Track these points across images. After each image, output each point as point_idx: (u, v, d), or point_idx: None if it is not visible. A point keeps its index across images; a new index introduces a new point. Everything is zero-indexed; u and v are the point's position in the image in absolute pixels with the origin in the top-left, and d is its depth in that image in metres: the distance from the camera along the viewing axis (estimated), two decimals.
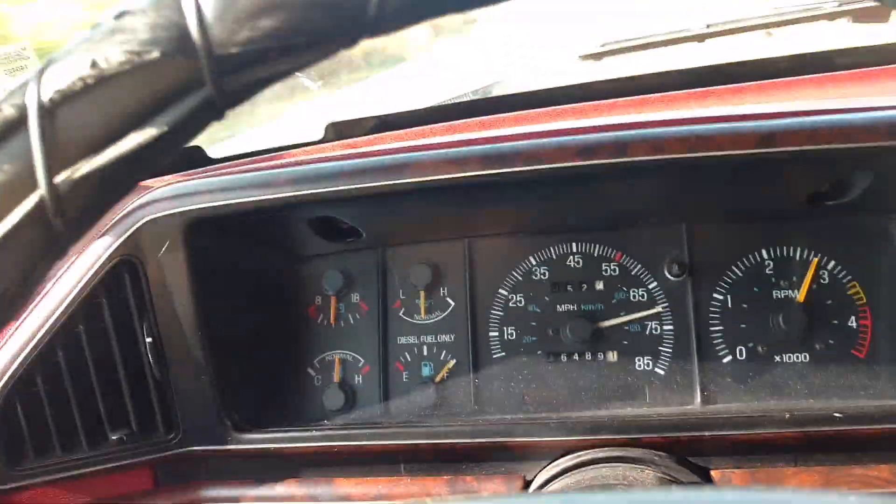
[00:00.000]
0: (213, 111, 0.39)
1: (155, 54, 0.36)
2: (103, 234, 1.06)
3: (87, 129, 0.38)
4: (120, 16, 0.37)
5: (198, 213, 1.05)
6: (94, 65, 0.37)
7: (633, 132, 0.98)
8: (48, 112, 0.37)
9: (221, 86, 0.38)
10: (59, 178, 0.37)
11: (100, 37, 0.37)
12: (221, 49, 0.37)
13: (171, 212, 1.06)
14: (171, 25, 0.36)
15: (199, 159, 1.45)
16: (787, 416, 1.06)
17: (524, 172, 1.00)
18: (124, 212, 1.08)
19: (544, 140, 1.00)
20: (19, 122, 0.37)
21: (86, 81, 0.37)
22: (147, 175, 0.41)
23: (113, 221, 1.08)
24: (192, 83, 0.37)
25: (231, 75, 0.38)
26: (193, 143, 1.61)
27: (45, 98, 0.37)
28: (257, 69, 0.38)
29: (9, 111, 0.38)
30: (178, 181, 1.09)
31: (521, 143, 1.00)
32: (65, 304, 1.06)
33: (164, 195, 1.07)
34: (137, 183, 0.42)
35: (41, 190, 0.37)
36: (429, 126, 1.46)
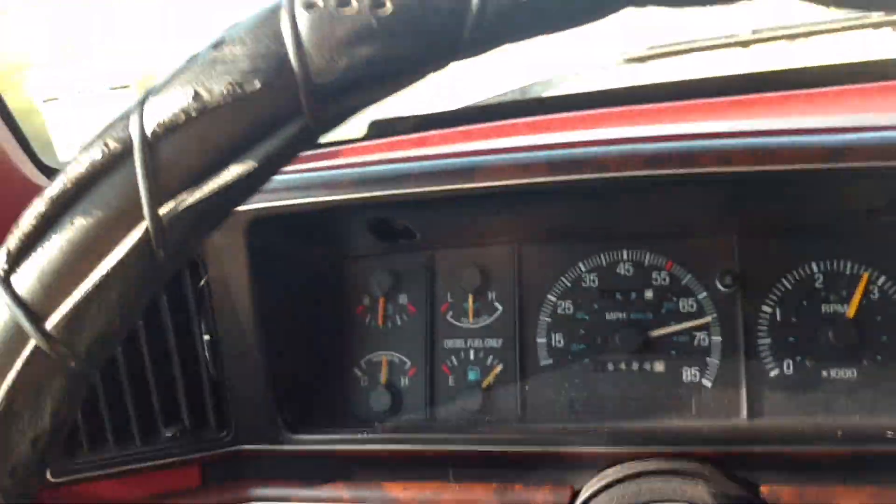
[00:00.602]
0: (308, 139, 0.40)
1: (256, 84, 0.37)
2: None
3: (190, 161, 0.38)
4: (218, 45, 0.38)
5: (260, 212, 1.05)
6: (196, 97, 0.37)
7: (702, 142, 0.98)
8: (151, 145, 0.37)
9: (318, 113, 0.38)
10: (163, 210, 0.38)
11: (200, 68, 0.37)
12: (319, 77, 0.37)
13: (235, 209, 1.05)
14: (271, 55, 0.37)
15: None
16: (839, 433, 1.06)
17: (591, 180, 1.00)
18: None
19: (612, 147, 1.00)
20: (124, 155, 0.38)
21: (188, 114, 0.37)
22: (242, 204, 0.41)
23: None
24: (291, 112, 0.38)
25: (328, 103, 0.38)
26: None
27: (149, 131, 0.37)
28: (354, 96, 0.38)
29: (113, 145, 0.38)
30: None
31: (589, 149, 1.00)
32: None
33: None
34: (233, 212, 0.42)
35: (146, 222, 0.38)
36: (475, 126, 1.45)
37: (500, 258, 1.29)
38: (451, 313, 1.30)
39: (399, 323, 1.30)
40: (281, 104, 0.37)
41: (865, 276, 1.20)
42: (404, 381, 1.29)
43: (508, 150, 1.02)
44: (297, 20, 0.36)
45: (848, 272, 1.21)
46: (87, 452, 1.08)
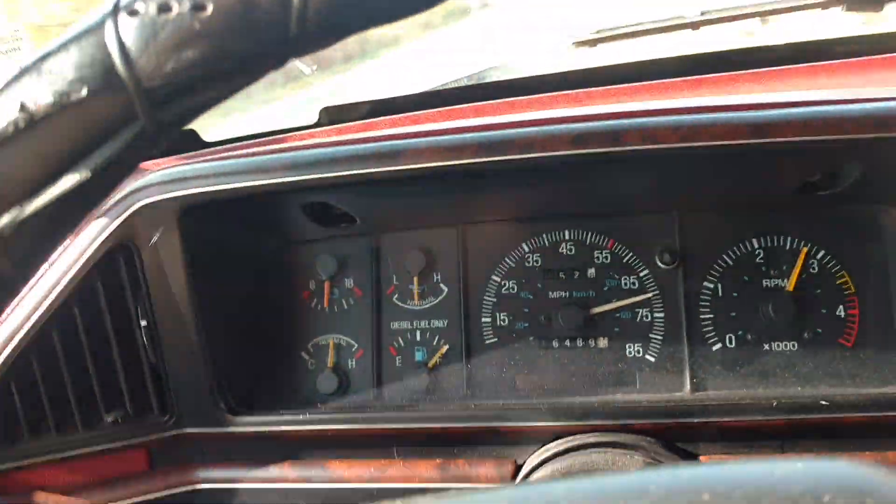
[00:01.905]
0: (150, 141, 0.40)
1: (83, 93, 0.37)
2: (98, 218, 1.07)
3: (25, 171, 0.38)
4: (45, 57, 0.38)
5: (193, 198, 1.06)
6: (22, 108, 0.37)
7: (626, 121, 0.99)
8: None
9: (155, 117, 0.38)
10: (2, 222, 0.38)
11: (27, 79, 0.38)
12: (149, 82, 0.37)
13: (166, 196, 1.06)
14: (96, 62, 0.37)
15: (192, 143, 1.45)
16: (775, 403, 1.08)
17: (518, 160, 1.01)
18: (119, 196, 1.08)
19: (538, 128, 1.00)
20: None
21: (17, 125, 0.37)
22: (91, 208, 0.42)
23: (108, 206, 1.08)
24: (125, 117, 0.38)
25: (163, 106, 0.38)
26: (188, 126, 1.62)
27: None
28: (188, 98, 0.39)
29: None
30: (173, 165, 1.09)
31: (515, 130, 1.00)
32: (60, 287, 1.06)
33: (158, 179, 1.07)
34: (84, 216, 0.43)
35: None
36: (423, 112, 1.46)
37: (445, 240, 1.30)
38: (396, 295, 1.31)
39: (345, 306, 1.31)
40: (113, 110, 0.38)
41: (805, 250, 1.22)
42: (351, 364, 1.30)
43: (437, 132, 1.02)
44: (121, 28, 0.37)
45: (787, 247, 1.23)
46: (28, 439, 1.09)
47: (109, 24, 0.37)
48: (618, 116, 1.00)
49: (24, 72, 0.38)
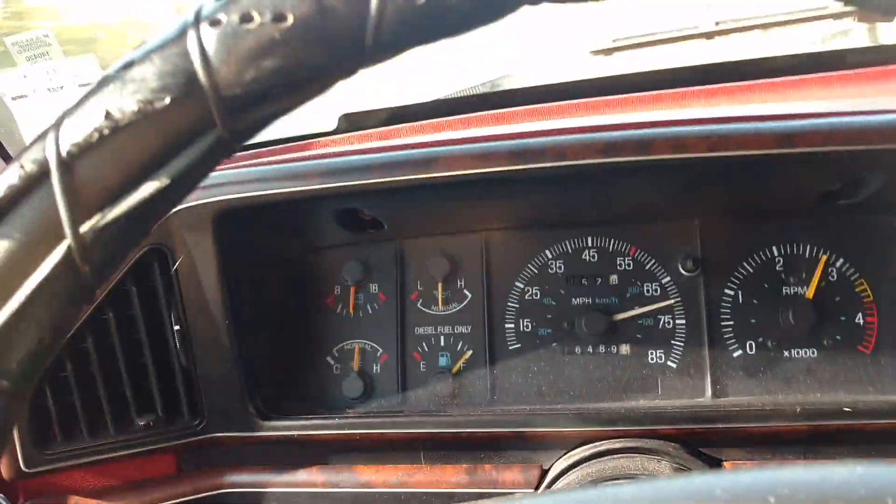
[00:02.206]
0: (225, 149, 0.41)
1: (166, 101, 0.38)
2: None
3: (107, 179, 0.39)
4: (128, 66, 0.39)
5: (228, 204, 1.07)
6: (108, 116, 0.38)
7: (656, 130, 1.01)
8: (67, 165, 0.38)
9: (232, 125, 0.39)
10: (84, 228, 0.39)
11: (111, 88, 0.39)
12: (228, 90, 0.38)
13: (203, 202, 1.07)
14: (179, 71, 0.38)
15: None
16: (798, 409, 1.09)
17: (549, 168, 1.02)
18: None
19: (570, 136, 1.02)
20: (41, 177, 0.39)
21: (101, 133, 0.38)
22: (165, 216, 0.43)
23: None
24: (204, 125, 0.39)
25: (240, 114, 0.39)
26: None
27: (64, 151, 0.38)
28: (264, 106, 0.40)
29: (30, 167, 0.39)
30: None
31: (547, 139, 1.02)
32: None
33: None
34: (161, 223, 0.44)
35: (68, 240, 0.39)
36: (443, 119, 1.48)
37: (469, 246, 1.32)
38: (421, 301, 1.32)
39: (370, 311, 1.33)
40: (192, 118, 0.39)
41: (824, 258, 1.24)
42: (376, 368, 1.31)
43: (469, 139, 1.04)
44: (203, 37, 0.38)
45: (807, 255, 1.25)
46: (61, 443, 1.10)
47: (192, 34, 0.38)
48: (648, 126, 1.02)
49: (107, 80, 0.39)
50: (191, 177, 0.40)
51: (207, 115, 0.39)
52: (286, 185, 1.06)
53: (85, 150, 0.38)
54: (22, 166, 0.39)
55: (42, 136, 0.40)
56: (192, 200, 1.08)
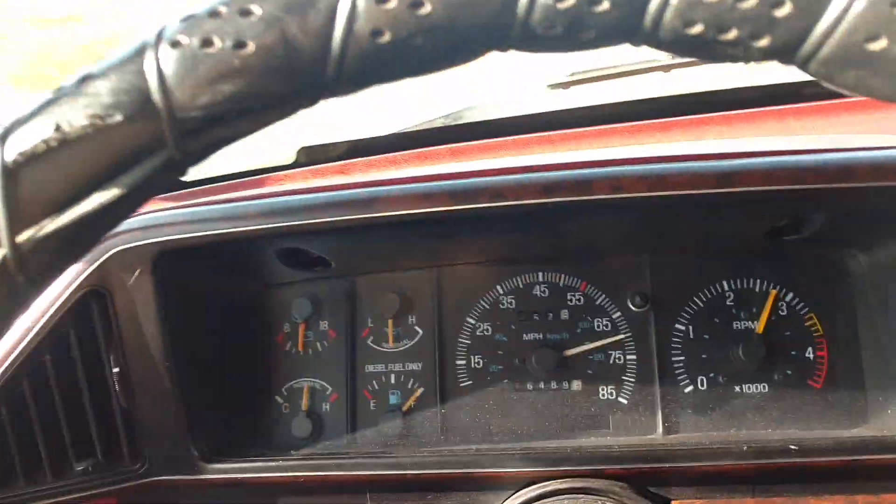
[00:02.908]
0: (175, 169, 0.41)
1: (117, 118, 0.38)
2: None
3: (50, 190, 0.38)
4: (84, 80, 0.39)
5: (167, 245, 1.06)
6: (57, 128, 0.38)
7: (594, 171, 1.01)
8: (11, 173, 0.38)
9: (184, 146, 0.39)
10: (22, 238, 0.38)
11: (63, 100, 0.38)
12: (183, 112, 0.38)
13: (141, 243, 1.06)
14: (134, 90, 0.38)
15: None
16: (746, 447, 1.09)
17: (490, 208, 1.02)
18: None
19: (508, 177, 1.02)
20: None
21: (49, 144, 0.38)
22: (108, 233, 0.42)
23: None
24: (155, 145, 0.39)
25: (193, 136, 0.39)
26: None
27: (9, 159, 0.38)
28: (218, 130, 0.40)
29: None
30: (148, 212, 1.09)
31: (485, 179, 1.02)
32: (32, 334, 1.05)
33: (132, 226, 1.07)
34: (101, 240, 0.43)
35: (4, 249, 0.38)
36: (399, 153, 1.48)
37: (420, 283, 1.31)
38: (371, 338, 1.31)
39: (320, 349, 1.31)
40: (144, 137, 0.38)
41: (773, 293, 1.24)
42: (326, 407, 1.29)
43: (408, 179, 1.04)
44: (161, 58, 0.38)
45: (757, 289, 1.25)
46: None
47: (150, 54, 0.38)
48: (586, 165, 1.02)
49: (61, 92, 0.39)
50: (138, 194, 0.40)
51: (159, 135, 0.38)
52: (224, 227, 1.04)
53: (30, 159, 0.38)
54: None
55: None
56: (130, 242, 1.06)
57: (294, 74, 0.38)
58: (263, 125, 0.41)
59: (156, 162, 0.39)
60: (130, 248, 1.06)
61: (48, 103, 0.39)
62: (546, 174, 1.01)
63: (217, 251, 1.12)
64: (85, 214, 0.39)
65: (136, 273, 1.06)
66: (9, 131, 0.39)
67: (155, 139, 0.39)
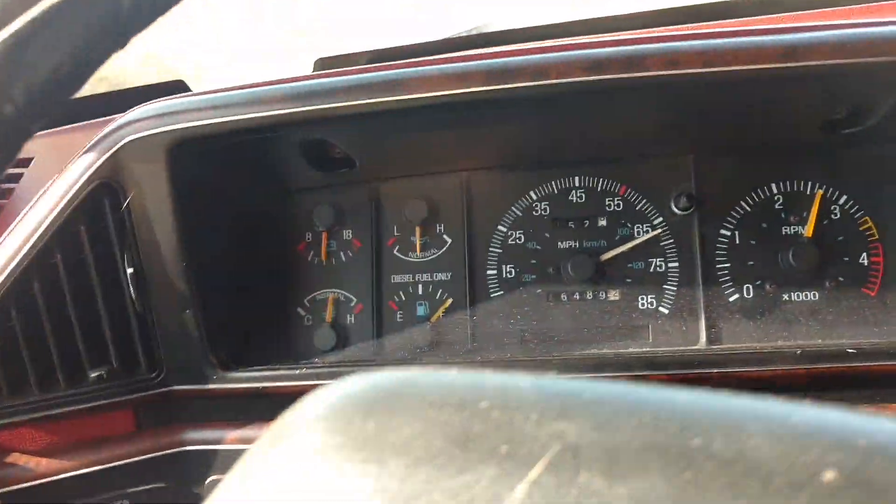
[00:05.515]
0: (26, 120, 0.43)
1: None
2: (82, 156, 0.99)
3: None
4: None
5: (182, 133, 0.98)
6: None
7: (647, 46, 0.92)
8: None
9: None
10: None
11: None
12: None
13: (155, 131, 0.98)
14: None
15: (181, 92, 1.37)
16: (798, 352, 1.02)
17: (530, 88, 0.94)
18: (105, 132, 1.00)
19: (552, 54, 0.93)
20: None
21: None
22: None
23: (93, 142, 1.00)
24: None
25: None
26: (175, 77, 1.52)
27: None
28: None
29: None
30: (163, 101, 1.01)
31: (528, 57, 0.93)
32: (40, 231, 0.99)
33: (146, 114, 1.00)
34: None
35: None
36: (424, 58, 1.39)
37: (448, 188, 1.23)
38: (397, 247, 1.24)
39: (343, 259, 1.24)
40: None
41: (819, 193, 1.16)
42: (350, 319, 1.23)
43: (442, 60, 0.95)
44: None
45: (808, 192, 1.17)
46: (7, 397, 1.01)
47: None
48: (638, 42, 0.93)
49: None
50: None
51: None
52: (243, 112, 0.96)
53: None
54: None
55: None
56: (144, 130, 0.99)
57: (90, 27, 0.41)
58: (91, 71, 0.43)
59: None
60: (144, 136, 0.99)
61: None
62: (593, 51, 0.92)
63: (236, 143, 1.04)
64: None
65: (150, 166, 0.98)
66: None
67: None
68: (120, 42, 0.42)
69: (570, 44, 0.95)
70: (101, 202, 1.01)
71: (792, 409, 0.34)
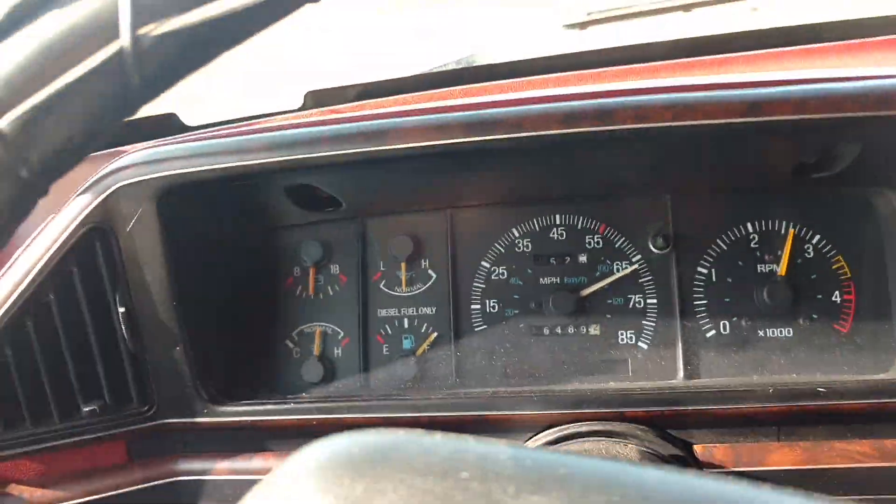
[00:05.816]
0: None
1: None
2: (74, 200, 1.03)
3: None
4: None
5: (172, 180, 1.02)
6: None
7: (617, 100, 0.96)
8: None
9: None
10: None
11: None
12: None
13: (145, 178, 1.02)
14: None
15: (173, 126, 1.41)
16: (771, 390, 1.05)
17: (507, 140, 0.97)
18: (96, 177, 1.04)
19: (527, 107, 0.97)
20: None
21: None
22: None
23: (84, 187, 1.04)
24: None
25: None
26: (166, 111, 1.55)
27: None
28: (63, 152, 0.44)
29: None
30: (152, 147, 1.05)
31: (503, 109, 0.97)
32: (34, 273, 1.02)
33: (137, 160, 1.03)
34: None
35: None
36: (411, 94, 1.43)
37: (434, 225, 1.27)
38: (384, 282, 1.27)
39: (331, 293, 1.28)
40: None
41: (792, 232, 1.19)
42: (337, 352, 1.27)
43: (424, 111, 0.99)
44: None
45: (782, 231, 1.20)
46: (3, 431, 1.05)
47: None
48: (608, 95, 0.97)
49: None
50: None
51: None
52: (230, 160, 1.00)
53: None
54: None
55: None
56: (134, 176, 1.02)
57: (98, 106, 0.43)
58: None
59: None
60: (134, 182, 1.03)
61: None
62: (566, 104, 0.96)
63: (224, 188, 1.08)
64: None
65: (140, 211, 1.02)
66: None
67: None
68: (128, 112, 0.44)
69: (544, 96, 0.99)
70: (92, 244, 1.05)
71: (757, 494, 0.36)
